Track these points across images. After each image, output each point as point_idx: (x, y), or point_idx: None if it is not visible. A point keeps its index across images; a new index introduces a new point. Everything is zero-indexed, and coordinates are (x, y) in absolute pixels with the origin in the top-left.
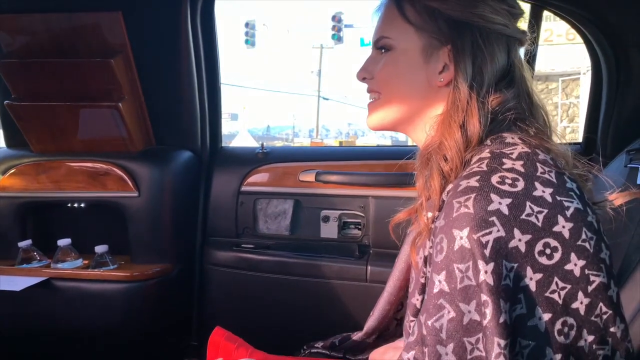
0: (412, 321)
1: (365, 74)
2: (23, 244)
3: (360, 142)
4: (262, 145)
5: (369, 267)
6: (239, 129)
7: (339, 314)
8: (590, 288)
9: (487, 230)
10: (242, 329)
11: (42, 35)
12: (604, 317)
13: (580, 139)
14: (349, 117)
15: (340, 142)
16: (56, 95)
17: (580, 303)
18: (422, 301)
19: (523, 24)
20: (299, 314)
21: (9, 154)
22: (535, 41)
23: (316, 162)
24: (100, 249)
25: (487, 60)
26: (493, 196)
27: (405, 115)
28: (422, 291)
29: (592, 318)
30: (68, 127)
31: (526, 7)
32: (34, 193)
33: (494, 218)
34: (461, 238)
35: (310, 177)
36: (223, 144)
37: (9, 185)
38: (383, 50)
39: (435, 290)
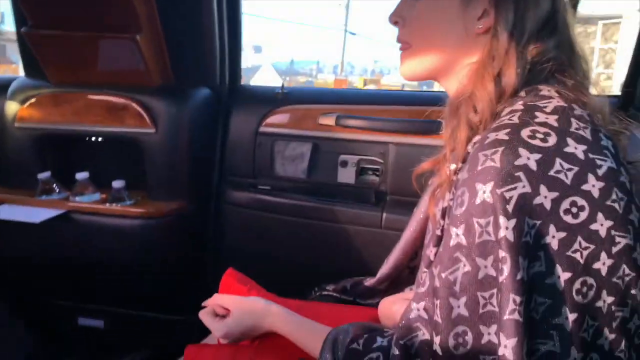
0: (424, 272)
1: (398, 19)
2: (42, 175)
3: (385, 80)
4: (282, 85)
5: (384, 214)
6: (263, 62)
7: (352, 258)
8: (614, 249)
9: (512, 186)
10: (255, 269)
11: None
12: (626, 279)
13: (615, 87)
14: (375, 54)
15: (365, 80)
16: (74, 24)
17: (603, 264)
18: (436, 253)
19: None
20: (312, 257)
21: (28, 84)
22: None
23: (337, 105)
24: (117, 184)
25: (530, 6)
26: (522, 150)
27: (440, 65)
28: (438, 243)
29: (614, 279)
30: (85, 57)
31: None
32: (52, 125)
33: (520, 173)
34: (484, 192)
35: (330, 120)
36: (245, 78)
37: (28, 115)
38: None
39: (452, 243)
